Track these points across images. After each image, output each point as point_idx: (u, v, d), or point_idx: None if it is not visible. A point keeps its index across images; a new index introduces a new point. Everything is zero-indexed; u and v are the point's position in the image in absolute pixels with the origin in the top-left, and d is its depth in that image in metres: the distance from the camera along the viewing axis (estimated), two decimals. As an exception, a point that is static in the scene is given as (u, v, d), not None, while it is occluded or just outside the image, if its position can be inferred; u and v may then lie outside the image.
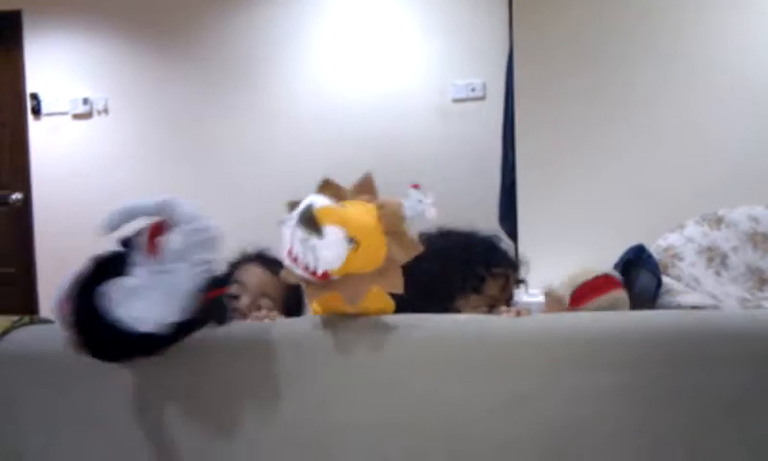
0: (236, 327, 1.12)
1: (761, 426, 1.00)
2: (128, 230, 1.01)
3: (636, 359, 1.02)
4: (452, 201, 3.79)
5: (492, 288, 1.37)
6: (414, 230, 1.08)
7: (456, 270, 1.33)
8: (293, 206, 1.01)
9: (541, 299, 1.37)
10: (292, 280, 1.03)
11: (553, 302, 1.26)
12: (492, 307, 1.35)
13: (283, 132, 3.95)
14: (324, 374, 1.05)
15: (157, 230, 0.99)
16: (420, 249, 1.04)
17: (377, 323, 1.07)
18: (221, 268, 1.51)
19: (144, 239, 0.98)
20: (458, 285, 1.32)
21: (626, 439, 1.01)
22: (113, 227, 0.98)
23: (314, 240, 0.98)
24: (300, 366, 1.06)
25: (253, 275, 1.49)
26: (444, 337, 1.06)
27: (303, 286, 1.04)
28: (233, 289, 1.45)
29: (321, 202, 1.01)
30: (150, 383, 1.07)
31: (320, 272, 0.99)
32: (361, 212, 1.03)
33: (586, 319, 1.09)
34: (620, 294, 1.25)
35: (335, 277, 1.00)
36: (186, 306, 0.97)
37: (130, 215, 0.99)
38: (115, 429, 1.08)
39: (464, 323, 1.11)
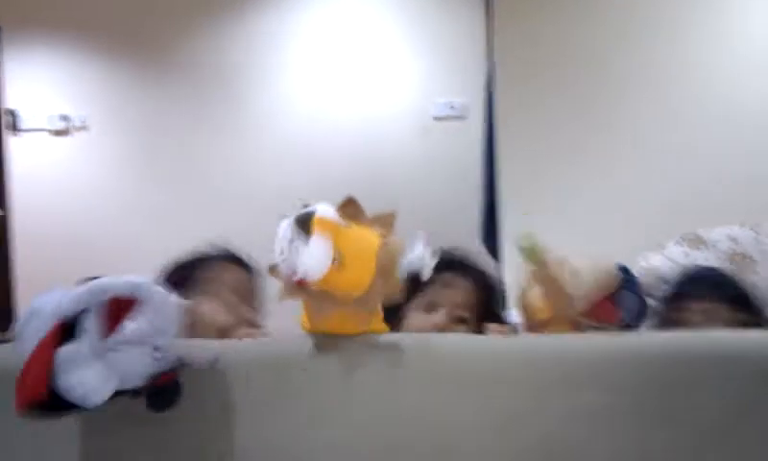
0: (222, 347, 1.10)
1: (753, 447, 1.00)
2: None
3: (628, 380, 1.02)
4: (433, 219, 3.82)
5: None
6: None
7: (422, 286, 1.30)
8: (304, 207, 1.01)
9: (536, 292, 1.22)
10: (287, 297, 1.02)
11: (559, 303, 1.13)
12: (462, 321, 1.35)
13: (266, 149, 3.95)
14: (312, 393, 1.04)
15: (119, 307, 0.97)
16: (398, 293, 1.03)
17: (366, 342, 1.06)
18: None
19: (103, 314, 0.96)
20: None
21: (617, 458, 1.01)
22: (80, 307, 0.97)
23: (299, 243, 0.97)
24: (288, 385, 1.05)
25: (231, 274, 1.45)
26: (435, 356, 1.06)
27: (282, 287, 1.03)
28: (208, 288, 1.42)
29: (325, 212, 1.00)
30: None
31: (298, 276, 0.98)
32: (361, 237, 1.02)
33: (576, 340, 1.09)
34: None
35: (312, 288, 1.00)
36: (134, 387, 0.97)
37: (101, 294, 0.97)
38: (97, 447, 1.06)
39: (455, 342, 1.11)
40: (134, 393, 1.00)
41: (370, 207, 1.08)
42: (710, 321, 1.33)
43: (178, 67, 4.02)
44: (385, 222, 1.06)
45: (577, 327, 1.12)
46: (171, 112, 4.02)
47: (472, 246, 3.13)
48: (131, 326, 0.96)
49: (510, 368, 1.04)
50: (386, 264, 1.01)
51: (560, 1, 2.99)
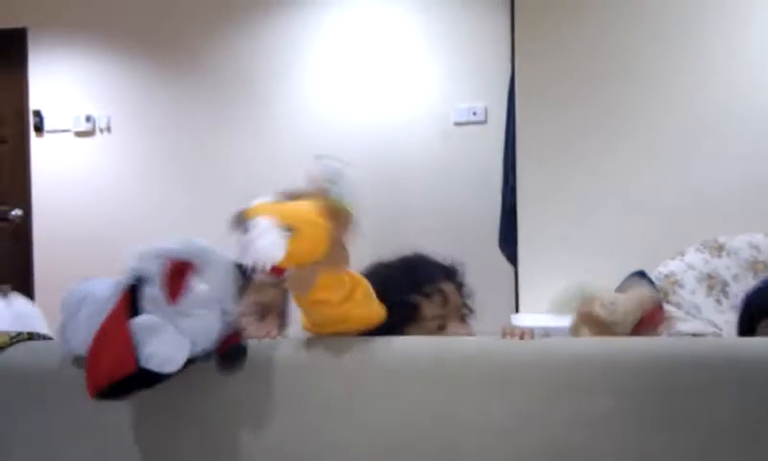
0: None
1: (758, 452, 0.99)
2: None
3: (634, 384, 1.01)
4: (453, 223, 3.80)
5: (430, 309, 1.29)
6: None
7: (391, 305, 1.18)
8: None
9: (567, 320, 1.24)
10: (271, 295, 1.03)
11: (604, 328, 1.14)
12: (442, 328, 1.28)
13: (286, 151, 3.96)
14: (319, 394, 1.05)
15: (179, 271, 0.97)
16: (351, 215, 1.03)
17: (375, 343, 1.06)
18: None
19: (166, 279, 0.96)
20: (396, 323, 1.18)
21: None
22: (141, 269, 0.97)
23: (245, 235, 0.97)
24: (294, 385, 1.06)
25: (267, 294, 1.47)
26: (444, 358, 1.06)
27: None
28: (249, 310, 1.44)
29: (257, 201, 1.01)
30: (148, 401, 1.06)
31: (268, 266, 0.97)
32: (298, 204, 1.02)
33: (583, 344, 1.09)
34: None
35: (289, 270, 1.00)
36: (204, 351, 0.97)
37: (158, 256, 0.98)
38: (112, 446, 1.08)
39: (464, 344, 1.11)
40: (206, 357, 1.01)
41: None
42: None
43: (200, 69, 4.05)
44: (310, 185, 1.05)
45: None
46: (193, 114, 4.05)
47: (491, 252, 3.14)
48: (199, 288, 0.95)
49: (516, 371, 1.04)
50: (329, 205, 1.02)
51: (583, 8, 2.98)
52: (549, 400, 1.02)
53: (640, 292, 1.18)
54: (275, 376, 1.06)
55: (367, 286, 1.10)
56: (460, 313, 1.34)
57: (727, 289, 1.87)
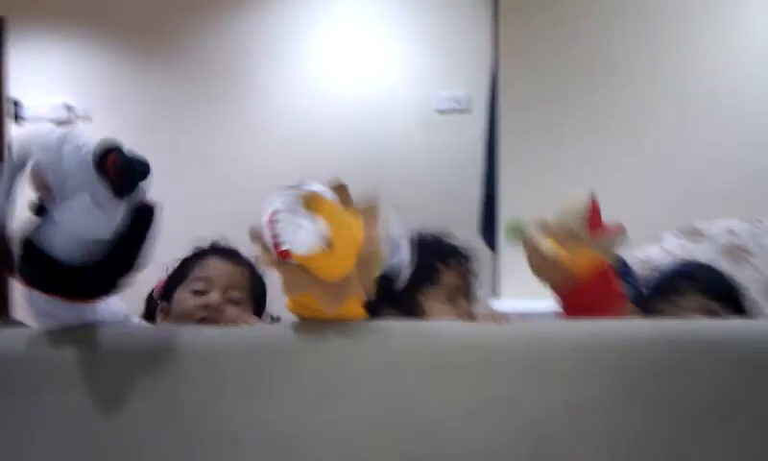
0: (213, 332, 1.11)
1: (746, 434, 1.00)
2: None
3: (617, 367, 1.02)
4: (434, 210, 3.84)
5: (448, 278, 1.36)
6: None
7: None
8: (302, 184, 1.01)
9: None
10: (266, 265, 1.02)
11: (563, 237, 1.13)
12: (452, 300, 1.35)
13: (267, 139, 3.96)
14: (302, 379, 1.05)
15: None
16: (370, 291, 1.04)
17: (357, 328, 1.07)
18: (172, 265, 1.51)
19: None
20: (415, 280, 1.27)
21: (609, 446, 1.01)
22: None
23: (302, 220, 0.97)
24: (278, 371, 1.06)
25: (218, 268, 1.44)
26: (425, 342, 1.07)
27: (266, 260, 1.02)
28: (198, 285, 1.42)
29: (327, 193, 1.00)
30: (124, 386, 1.06)
31: (282, 247, 0.98)
32: (349, 226, 1.02)
33: (565, 326, 1.09)
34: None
35: (293, 261, 1.00)
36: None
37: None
38: (85, 433, 1.07)
39: (445, 328, 1.12)
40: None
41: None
42: (693, 314, 1.34)
43: (184, 58, 4.03)
44: (371, 214, 1.06)
45: (591, 249, 1.11)
46: (174, 103, 4.03)
47: (471, 239, 3.15)
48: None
49: (499, 354, 1.04)
50: (365, 261, 1.02)
51: (565, -4, 3.00)
52: (529, 384, 1.03)
53: (576, 198, 1.17)
54: (260, 361, 1.06)
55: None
56: (470, 292, 1.40)
57: (703, 274, 1.90)
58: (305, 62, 3.98)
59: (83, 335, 1.09)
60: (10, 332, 1.16)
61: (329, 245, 0.98)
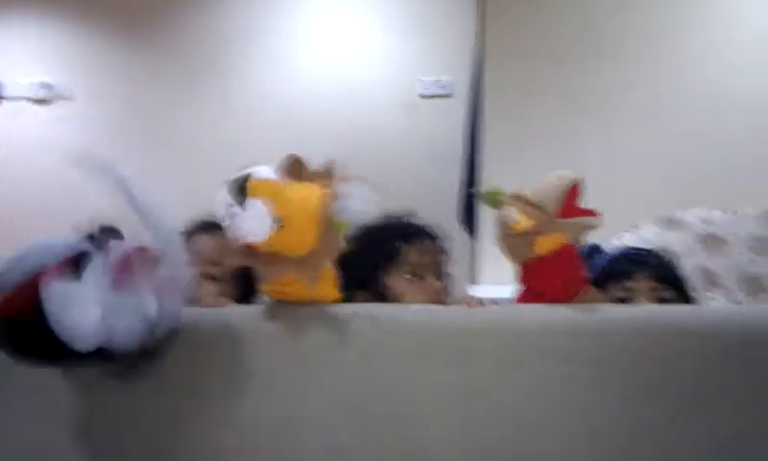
0: (189, 317, 1.10)
1: (726, 421, 1.02)
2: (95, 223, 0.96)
3: (596, 352, 1.04)
4: (416, 195, 3.81)
5: (411, 256, 1.38)
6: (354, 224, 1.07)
7: (371, 248, 1.33)
8: (242, 171, 1.01)
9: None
10: (237, 262, 1.03)
11: (535, 213, 1.13)
12: (419, 277, 1.36)
13: (250, 122, 3.94)
14: (278, 363, 1.06)
15: (131, 259, 0.92)
16: (339, 249, 1.05)
17: (334, 312, 1.08)
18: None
19: (115, 264, 0.90)
20: (377, 260, 1.31)
21: (579, 428, 1.03)
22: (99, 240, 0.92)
23: (235, 209, 0.97)
24: (255, 355, 1.06)
25: (200, 243, 1.45)
26: (403, 326, 1.07)
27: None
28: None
29: (264, 173, 1.00)
30: (102, 376, 1.06)
31: (241, 241, 0.99)
32: (301, 195, 1.02)
33: (544, 312, 1.10)
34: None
35: (260, 251, 1.00)
36: (149, 331, 0.90)
37: (129, 242, 0.93)
38: (63, 412, 1.07)
39: (422, 312, 1.13)
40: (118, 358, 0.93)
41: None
42: (638, 299, 1.37)
43: (164, 38, 3.99)
44: (326, 173, 1.06)
45: (560, 230, 1.13)
46: (157, 84, 3.99)
47: (450, 224, 3.17)
48: (141, 280, 0.90)
49: (478, 339, 1.05)
50: (328, 222, 1.02)
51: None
52: (503, 368, 1.04)
53: (555, 177, 1.18)
54: (237, 345, 1.06)
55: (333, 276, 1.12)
56: (438, 270, 1.41)
57: (678, 262, 1.93)
58: (288, 45, 3.95)
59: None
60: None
61: (280, 221, 0.98)
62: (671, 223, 2.02)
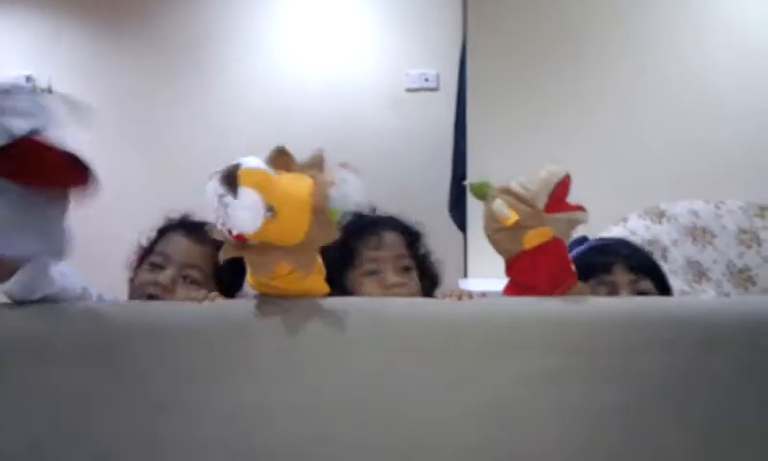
0: (177, 310, 1.11)
1: (698, 410, 1.03)
2: None
3: (578, 344, 1.04)
4: (404, 189, 3.82)
5: (366, 253, 1.36)
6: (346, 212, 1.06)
7: (330, 250, 1.23)
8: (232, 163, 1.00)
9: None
10: (229, 254, 1.02)
11: (524, 207, 1.13)
12: (375, 272, 1.34)
13: (235, 114, 3.92)
14: (265, 356, 1.05)
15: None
16: (335, 236, 1.03)
17: (321, 305, 1.07)
18: (145, 239, 1.48)
19: None
20: (335, 264, 1.25)
21: (566, 419, 1.03)
22: None
23: (228, 198, 0.97)
24: (243, 349, 1.05)
25: (178, 244, 1.41)
26: (388, 319, 1.07)
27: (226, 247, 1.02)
28: (156, 259, 1.39)
29: (252, 163, 0.99)
30: (87, 368, 1.05)
31: (234, 232, 0.98)
32: (292, 184, 1.01)
33: (527, 303, 1.11)
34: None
35: (252, 241, 1.00)
36: None
37: None
38: (49, 408, 1.06)
39: (407, 305, 1.12)
40: None
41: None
42: (620, 292, 1.37)
43: (147, 30, 3.95)
44: (315, 163, 1.05)
45: (548, 225, 1.12)
46: (139, 75, 3.96)
47: (440, 217, 3.16)
48: None
49: (461, 331, 1.05)
50: (320, 209, 1.01)
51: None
52: (489, 360, 1.04)
53: (546, 172, 1.18)
54: (224, 339, 1.06)
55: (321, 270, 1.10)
56: (400, 264, 1.37)
57: (666, 254, 1.93)
58: (275, 38, 3.93)
59: (40, 312, 1.08)
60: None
61: (271, 210, 0.97)
62: (659, 215, 2.02)
